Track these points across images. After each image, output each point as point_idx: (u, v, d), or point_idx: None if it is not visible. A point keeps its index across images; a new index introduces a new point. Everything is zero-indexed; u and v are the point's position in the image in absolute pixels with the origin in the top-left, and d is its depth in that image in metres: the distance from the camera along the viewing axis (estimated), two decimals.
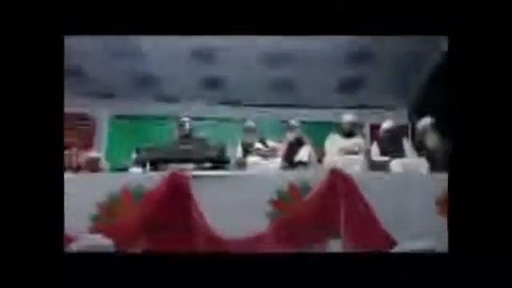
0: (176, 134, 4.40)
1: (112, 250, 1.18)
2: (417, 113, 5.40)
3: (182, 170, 2.88)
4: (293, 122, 4.67)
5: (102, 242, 1.23)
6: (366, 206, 2.68)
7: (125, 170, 3.78)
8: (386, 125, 4.43)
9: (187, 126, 4.43)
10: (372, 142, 4.71)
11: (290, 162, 4.14)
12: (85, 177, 3.10)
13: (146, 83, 5.73)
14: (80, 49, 4.60)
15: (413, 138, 4.66)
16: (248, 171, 3.60)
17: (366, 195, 2.70)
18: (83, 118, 6.00)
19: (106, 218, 2.61)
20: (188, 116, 4.58)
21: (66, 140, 5.66)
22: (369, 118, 5.91)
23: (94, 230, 2.51)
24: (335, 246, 2.62)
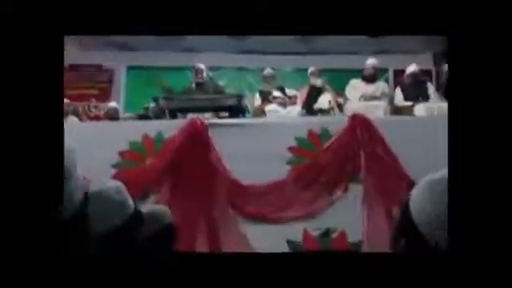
0: (193, 83, 4.36)
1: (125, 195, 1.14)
2: (443, 56, 5.15)
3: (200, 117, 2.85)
4: (312, 69, 4.55)
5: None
6: (388, 150, 2.62)
7: (143, 118, 3.80)
8: (410, 69, 4.27)
9: (204, 75, 4.37)
10: (395, 87, 4.56)
11: (309, 109, 4.07)
12: (104, 126, 3.11)
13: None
14: None
15: (437, 82, 4.48)
16: (266, 119, 3.56)
17: (388, 140, 2.64)
18: (101, 69, 5.99)
19: (128, 164, 2.65)
20: (206, 65, 4.50)
21: (85, 92, 5.75)
22: (392, 62, 5.69)
23: (117, 176, 2.56)
24: (355, 190, 2.61)
